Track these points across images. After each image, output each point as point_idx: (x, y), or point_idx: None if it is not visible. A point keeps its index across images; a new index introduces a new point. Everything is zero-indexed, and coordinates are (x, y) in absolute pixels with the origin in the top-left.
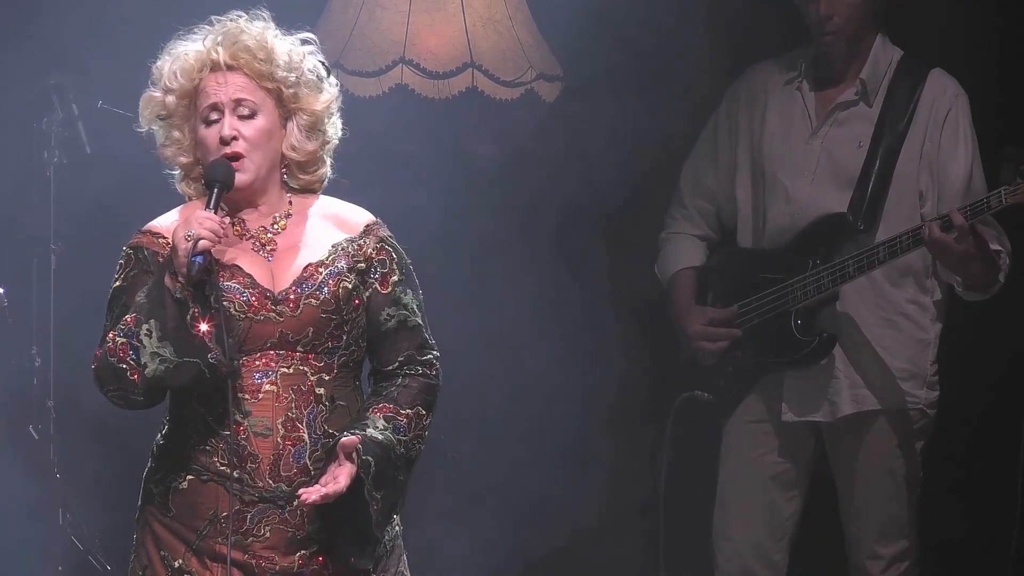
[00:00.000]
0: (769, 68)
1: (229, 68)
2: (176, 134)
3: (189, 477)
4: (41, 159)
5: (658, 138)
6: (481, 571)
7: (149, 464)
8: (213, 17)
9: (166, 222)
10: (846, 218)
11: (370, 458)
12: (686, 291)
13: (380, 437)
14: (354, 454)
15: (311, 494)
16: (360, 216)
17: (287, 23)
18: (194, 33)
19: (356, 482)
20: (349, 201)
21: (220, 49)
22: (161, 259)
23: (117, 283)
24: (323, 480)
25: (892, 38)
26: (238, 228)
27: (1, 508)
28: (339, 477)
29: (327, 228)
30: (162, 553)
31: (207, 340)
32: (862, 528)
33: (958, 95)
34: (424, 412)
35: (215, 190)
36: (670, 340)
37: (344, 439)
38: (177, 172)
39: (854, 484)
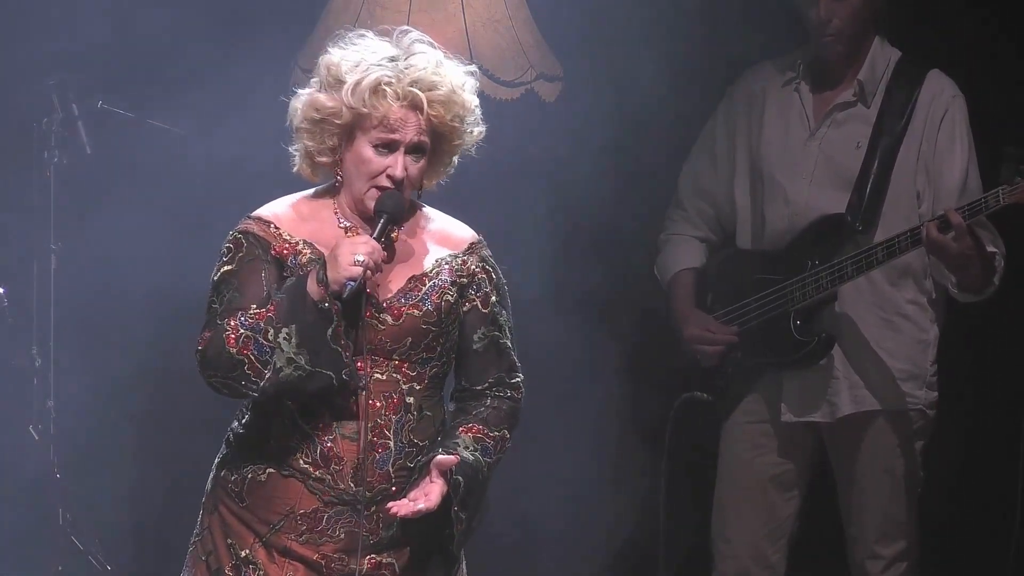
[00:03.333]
0: (767, 69)
1: (419, 110)
2: (330, 141)
3: (270, 471)
4: (41, 159)
5: (658, 139)
6: (480, 567)
7: (223, 451)
8: (404, 27)
9: (275, 210)
10: (845, 219)
11: (460, 478)
12: (685, 292)
13: (471, 458)
14: (448, 472)
15: (402, 508)
16: (464, 233)
17: (288, 23)
18: (372, 39)
19: (443, 500)
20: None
21: (419, 92)
22: (275, 250)
23: (227, 267)
24: (414, 495)
25: (890, 39)
26: (351, 235)
27: (1, 508)
28: (431, 494)
29: (432, 243)
30: (229, 541)
31: (344, 355)
32: (862, 528)
33: (955, 96)
34: (508, 435)
35: (382, 220)
36: (671, 340)
37: (442, 457)
38: (299, 147)
39: (854, 484)
